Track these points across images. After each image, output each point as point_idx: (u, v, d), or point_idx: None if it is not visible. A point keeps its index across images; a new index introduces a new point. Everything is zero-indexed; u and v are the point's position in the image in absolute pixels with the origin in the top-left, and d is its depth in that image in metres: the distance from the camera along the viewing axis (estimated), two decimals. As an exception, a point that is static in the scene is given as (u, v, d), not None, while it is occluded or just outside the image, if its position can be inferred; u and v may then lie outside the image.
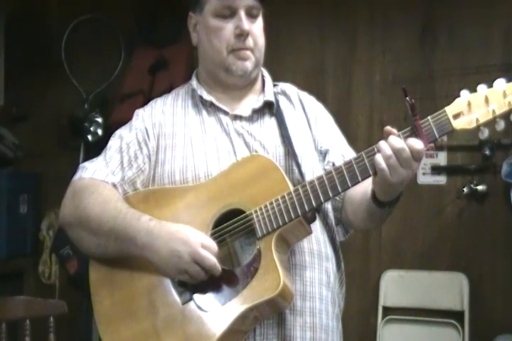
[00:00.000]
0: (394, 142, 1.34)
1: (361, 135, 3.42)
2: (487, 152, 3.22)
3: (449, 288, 3.26)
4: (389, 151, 1.34)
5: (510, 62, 3.24)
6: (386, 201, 1.44)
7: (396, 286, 3.37)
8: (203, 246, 1.43)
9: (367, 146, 1.42)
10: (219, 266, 1.43)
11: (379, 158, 1.35)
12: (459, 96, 1.38)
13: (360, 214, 1.56)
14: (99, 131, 3.69)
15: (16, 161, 3.92)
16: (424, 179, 3.33)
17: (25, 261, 3.82)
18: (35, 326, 2.33)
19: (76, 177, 1.62)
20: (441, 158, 3.36)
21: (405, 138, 1.36)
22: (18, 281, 3.80)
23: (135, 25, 3.76)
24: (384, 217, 1.53)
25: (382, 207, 1.46)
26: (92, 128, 3.70)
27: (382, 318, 3.33)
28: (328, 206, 1.63)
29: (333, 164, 1.62)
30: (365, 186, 1.48)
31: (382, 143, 1.36)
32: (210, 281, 1.45)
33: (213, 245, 1.44)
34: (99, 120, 3.71)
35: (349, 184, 1.41)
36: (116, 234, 1.49)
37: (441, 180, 3.37)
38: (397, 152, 1.33)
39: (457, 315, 3.23)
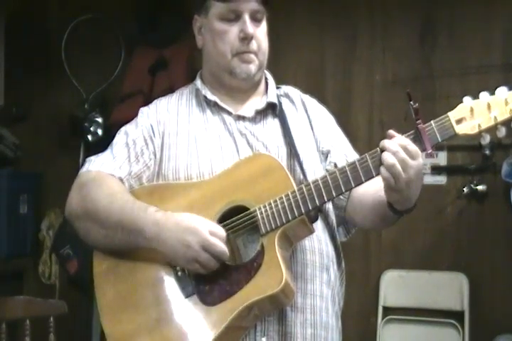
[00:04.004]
0: (389, 145, 1.36)
1: (361, 134, 3.42)
2: (487, 152, 3.22)
3: (449, 288, 3.26)
4: (391, 159, 1.35)
5: (510, 62, 3.24)
6: (404, 210, 1.45)
7: (396, 286, 3.37)
8: (211, 232, 1.44)
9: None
10: (227, 253, 1.45)
11: (383, 169, 1.36)
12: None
13: (371, 216, 1.58)
14: (99, 131, 3.69)
15: (16, 161, 3.92)
16: (424, 179, 3.29)
17: (25, 261, 3.82)
18: (35, 326, 2.33)
19: (83, 169, 1.64)
20: (441, 158, 3.36)
21: None
22: (18, 281, 3.79)
23: (135, 25, 3.76)
24: (397, 219, 1.53)
25: (399, 214, 1.47)
26: (92, 128, 3.70)
27: (382, 318, 3.33)
28: (330, 206, 1.65)
29: (335, 164, 1.64)
30: (375, 189, 1.49)
31: (385, 153, 1.37)
32: (213, 276, 1.46)
33: (221, 231, 1.46)
34: (99, 120, 3.70)
35: (352, 184, 1.43)
36: (124, 225, 1.50)
37: (441, 180, 3.37)
38: (394, 155, 1.35)
39: (457, 315, 3.23)
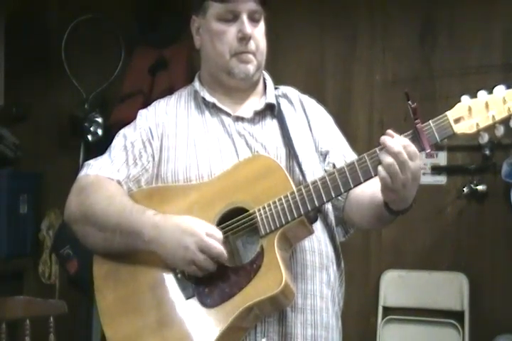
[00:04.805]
0: (390, 144, 1.36)
1: (361, 135, 3.42)
2: (487, 152, 3.22)
3: (449, 288, 3.26)
4: (389, 159, 1.35)
5: (510, 62, 3.24)
6: (400, 210, 1.45)
7: (396, 286, 3.37)
8: (208, 234, 1.45)
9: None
10: (225, 253, 1.45)
11: (380, 168, 1.36)
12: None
13: (367, 217, 1.58)
14: (99, 131, 3.69)
15: (15, 161, 3.93)
16: (424, 179, 3.32)
17: (25, 261, 3.82)
18: (35, 326, 2.33)
19: (82, 173, 1.64)
20: (441, 158, 3.36)
21: None
22: (18, 281, 3.80)
23: (135, 25, 3.76)
24: (393, 219, 1.53)
25: (395, 214, 1.47)
26: (92, 128, 3.70)
27: (382, 318, 3.33)
28: (329, 206, 1.65)
29: (334, 165, 1.64)
30: (372, 190, 1.49)
31: (382, 153, 1.37)
32: (213, 278, 1.47)
33: (218, 233, 1.46)
34: (99, 120, 3.70)
35: (351, 185, 1.43)
36: (122, 228, 1.51)
37: (441, 180, 3.37)
38: (394, 156, 1.35)
39: (457, 315, 3.23)
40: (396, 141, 1.36)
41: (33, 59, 3.88)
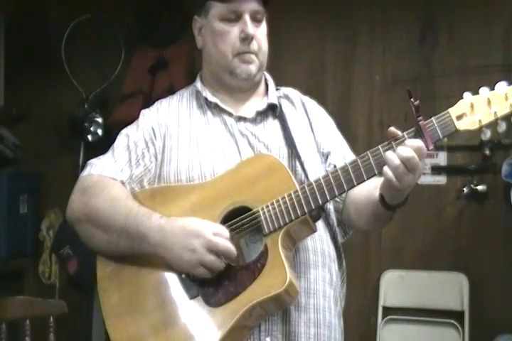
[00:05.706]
0: (402, 152, 1.36)
1: (361, 135, 3.42)
2: (487, 152, 3.22)
3: (449, 288, 3.26)
4: (397, 161, 1.35)
5: (511, 62, 3.25)
6: (395, 204, 1.46)
7: (396, 286, 3.37)
8: (214, 233, 1.45)
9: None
10: (234, 250, 1.45)
11: (386, 169, 1.37)
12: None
13: (365, 216, 1.59)
14: (99, 131, 3.69)
15: (15, 161, 3.93)
16: (424, 179, 3.32)
17: (25, 261, 3.82)
18: (35, 326, 2.33)
19: (85, 173, 1.63)
20: (441, 158, 3.36)
21: (409, 138, 1.40)
22: (18, 281, 3.80)
23: (135, 25, 3.77)
24: (390, 218, 1.54)
25: (391, 209, 1.48)
26: (92, 128, 3.70)
27: (382, 318, 3.33)
28: (330, 206, 1.65)
29: (335, 166, 1.64)
30: (369, 188, 1.51)
31: (389, 154, 1.37)
32: (217, 277, 1.47)
33: (224, 231, 1.47)
34: (99, 120, 3.71)
35: (355, 182, 1.43)
36: (128, 231, 1.50)
37: (441, 180, 3.37)
38: (405, 161, 1.35)
39: (457, 315, 3.23)
40: (407, 148, 1.35)
41: (33, 59, 3.89)
